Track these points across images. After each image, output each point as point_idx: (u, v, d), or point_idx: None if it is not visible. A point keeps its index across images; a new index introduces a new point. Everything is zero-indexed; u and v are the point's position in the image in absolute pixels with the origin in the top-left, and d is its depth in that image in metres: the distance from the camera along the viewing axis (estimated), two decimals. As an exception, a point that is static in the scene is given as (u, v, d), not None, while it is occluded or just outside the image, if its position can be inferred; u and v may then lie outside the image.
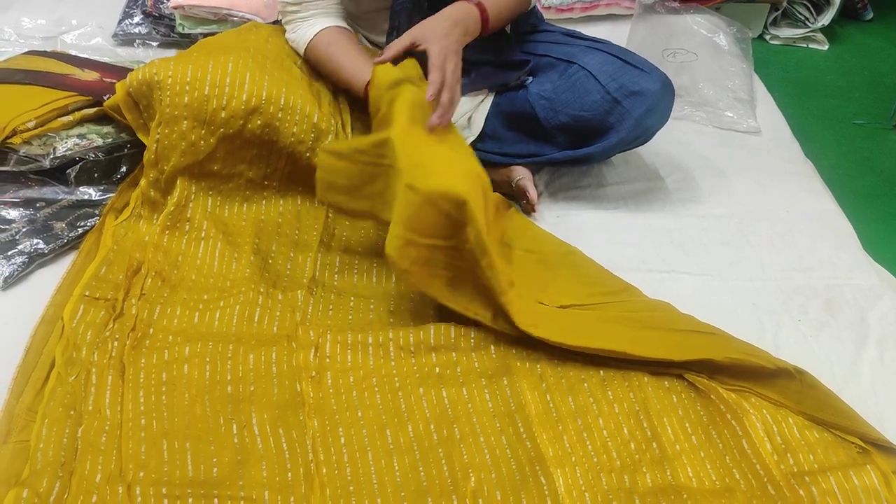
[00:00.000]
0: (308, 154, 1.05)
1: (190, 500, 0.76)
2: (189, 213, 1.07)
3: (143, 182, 1.07)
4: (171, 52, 1.40)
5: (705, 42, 1.66)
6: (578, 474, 0.80)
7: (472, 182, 0.90)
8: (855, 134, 1.62)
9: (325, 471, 0.79)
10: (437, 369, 0.90)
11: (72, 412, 0.82)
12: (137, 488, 0.76)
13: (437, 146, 0.94)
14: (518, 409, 0.86)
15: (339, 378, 0.89)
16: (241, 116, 1.03)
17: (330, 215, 1.09)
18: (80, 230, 1.06)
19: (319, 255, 1.03)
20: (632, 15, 1.72)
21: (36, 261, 1.02)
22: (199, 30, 1.54)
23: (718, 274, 1.09)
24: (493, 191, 1.03)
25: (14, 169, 1.08)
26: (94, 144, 1.12)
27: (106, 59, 1.34)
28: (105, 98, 1.14)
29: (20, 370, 0.86)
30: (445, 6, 1.05)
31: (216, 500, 0.76)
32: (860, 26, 2.15)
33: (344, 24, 1.16)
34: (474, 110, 1.18)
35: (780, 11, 2.00)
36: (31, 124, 1.08)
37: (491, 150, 1.18)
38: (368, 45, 1.25)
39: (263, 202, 1.09)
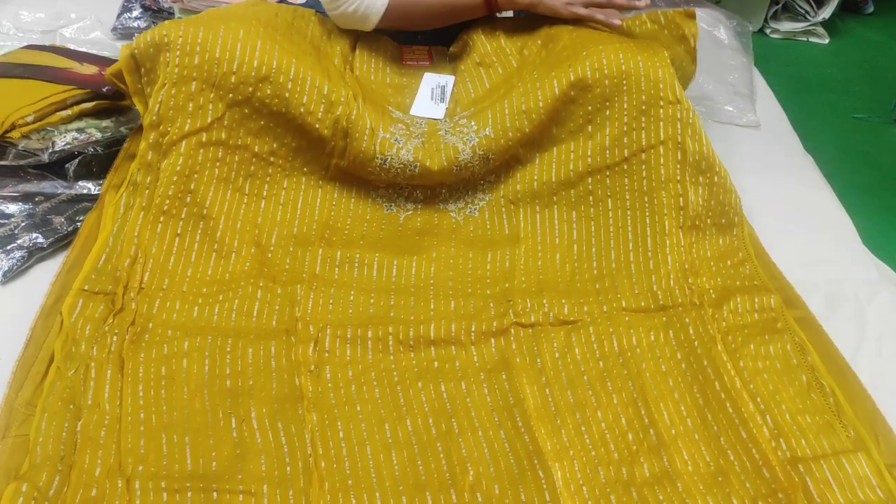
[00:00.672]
0: (318, 125, 1.04)
1: (189, 493, 0.76)
2: (193, 184, 1.02)
3: (142, 144, 1.03)
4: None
5: (705, 36, 1.66)
6: (576, 468, 0.80)
7: None
8: (855, 128, 1.62)
9: (323, 465, 0.79)
10: (436, 363, 0.90)
11: (71, 406, 0.82)
12: (137, 482, 0.76)
13: None
14: (517, 403, 0.86)
15: (337, 372, 0.89)
16: (251, 83, 1.01)
17: (331, 211, 1.09)
18: (79, 224, 1.05)
19: (320, 249, 1.03)
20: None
21: (35, 255, 1.01)
22: (198, 23, 1.54)
23: (718, 268, 1.08)
24: None
25: (13, 163, 1.08)
26: (93, 139, 1.12)
27: (105, 53, 1.34)
28: (104, 91, 1.14)
29: (19, 364, 0.86)
30: None
31: (215, 493, 0.76)
32: (860, 20, 2.15)
33: None
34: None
35: (780, 5, 2.00)
36: (29, 118, 1.08)
37: None
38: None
39: (268, 180, 1.07)
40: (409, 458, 0.81)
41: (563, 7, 1.14)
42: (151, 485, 0.76)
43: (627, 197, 1.05)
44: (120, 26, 1.56)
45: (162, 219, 1.00)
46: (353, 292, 0.98)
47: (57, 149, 1.09)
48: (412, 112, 1.14)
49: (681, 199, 1.04)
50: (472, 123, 1.08)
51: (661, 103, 1.03)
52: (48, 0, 1.64)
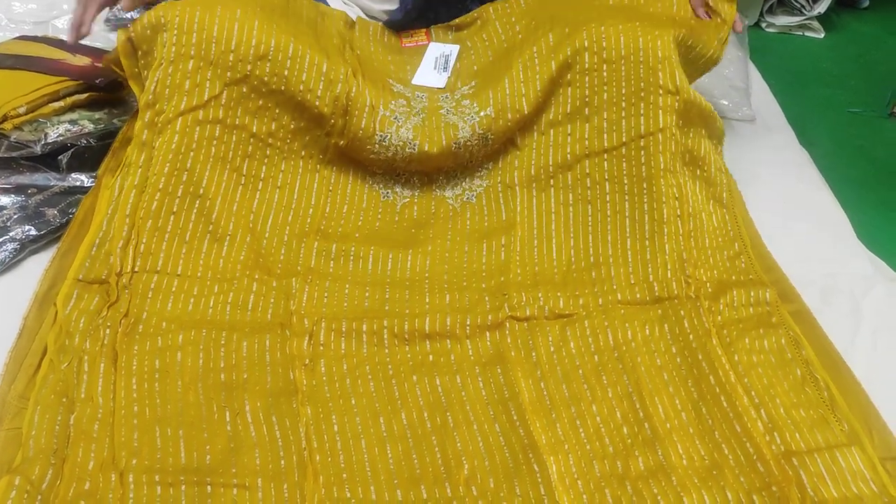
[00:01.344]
0: (317, 103, 1.03)
1: (183, 487, 0.76)
2: (189, 162, 1.00)
3: (137, 124, 1.02)
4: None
5: (701, 29, 1.65)
6: (571, 462, 0.80)
7: None
8: (850, 122, 1.62)
9: (318, 458, 0.79)
10: (431, 357, 0.90)
11: (64, 399, 0.81)
12: (130, 475, 0.76)
13: None
14: (512, 397, 0.86)
15: (332, 366, 0.88)
16: (249, 61, 1.00)
17: (328, 198, 1.08)
18: (72, 216, 1.05)
19: (316, 242, 1.02)
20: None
21: (28, 248, 1.01)
22: (192, 15, 1.52)
23: (713, 262, 1.08)
24: None
25: (5, 155, 1.07)
26: (86, 130, 1.11)
27: (97, 45, 1.32)
28: (98, 82, 1.13)
29: (12, 356, 0.86)
30: None
31: (209, 487, 0.76)
32: (856, 14, 2.15)
33: None
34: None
35: (775, -1, 1.99)
36: (21, 110, 1.07)
37: None
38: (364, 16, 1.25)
39: (265, 161, 1.06)
40: (403, 451, 0.81)
41: None
42: (145, 478, 0.76)
43: (626, 182, 1.04)
44: (113, 18, 1.55)
45: (157, 196, 0.98)
46: (348, 285, 0.98)
47: (49, 140, 1.08)
48: (414, 81, 1.14)
49: (677, 188, 1.03)
50: (475, 105, 1.08)
51: (661, 91, 1.03)
52: (41, -9, 1.62)
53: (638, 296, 0.97)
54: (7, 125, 1.05)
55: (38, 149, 1.07)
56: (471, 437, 0.82)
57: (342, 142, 1.06)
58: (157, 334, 0.89)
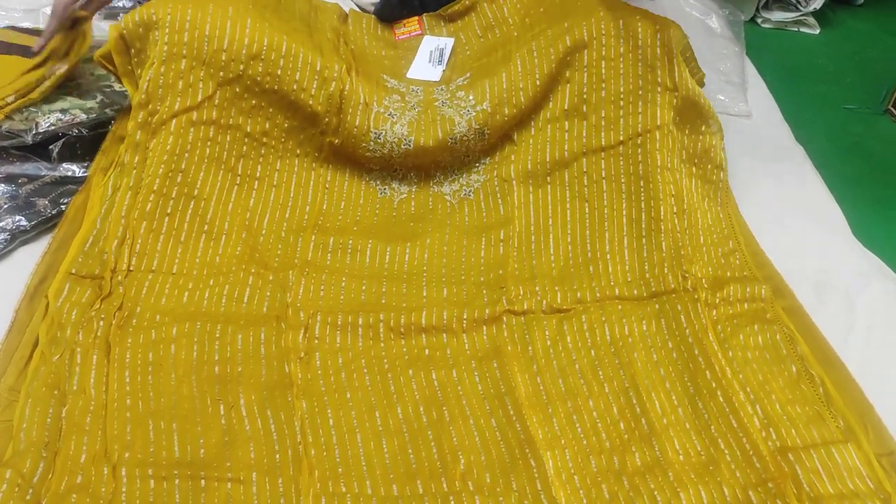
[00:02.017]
0: (311, 102, 1.02)
1: (176, 481, 0.75)
2: (184, 164, 1.00)
3: (130, 124, 1.01)
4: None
5: (697, 24, 1.65)
6: (568, 457, 0.80)
7: None
8: (845, 119, 1.62)
9: (313, 452, 0.79)
10: (427, 351, 0.90)
11: (56, 392, 0.81)
12: (123, 469, 0.75)
13: None
14: (508, 391, 0.86)
15: (327, 359, 0.88)
16: (242, 61, 1.00)
17: (325, 195, 1.07)
18: (63, 207, 1.04)
19: (313, 235, 1.01)
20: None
21: (18, 238, 1.00)
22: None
23: (709, 258, 1.08)
24: None
25: (-5, 144, 1.06)
26: (78, 120, 1.10)
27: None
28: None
29: (2, 349, 0.85)
30: None
31: (203, 481, 0.75)
32: (851, 11, 2.15)
33: None
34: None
35: (771, -6, 1.99)
36: (10, 99, 1.06)
37: None
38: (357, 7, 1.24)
39: (260, 160, 1.05)
40: (399, 445, 0.80)
41: None
42: (138, 472, 0.75)
43: (623, 180, 1.04)
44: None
45: (152, 197, 0.98)
46: (344, 279, 0.97)
47: (41, 130, 1.07)
48: (409, 75, 1.13)
49: (674, 185, 1.03)
50: (471, 97, 1.07)
51: (659, 88, 1.02)
52: (31, -22, 1.60)
53: (635, 291, 0.97)
54: (-3, 115, 1.04)
55: (28, 138, 1.06)
56: (467, 432, 0.82)
57: (337, 140, 1.05)
58: (151, 327, 0.88)
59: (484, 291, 0.97)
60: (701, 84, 1.12)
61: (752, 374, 0.89)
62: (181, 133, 1.00)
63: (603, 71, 1.03)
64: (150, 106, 1.00)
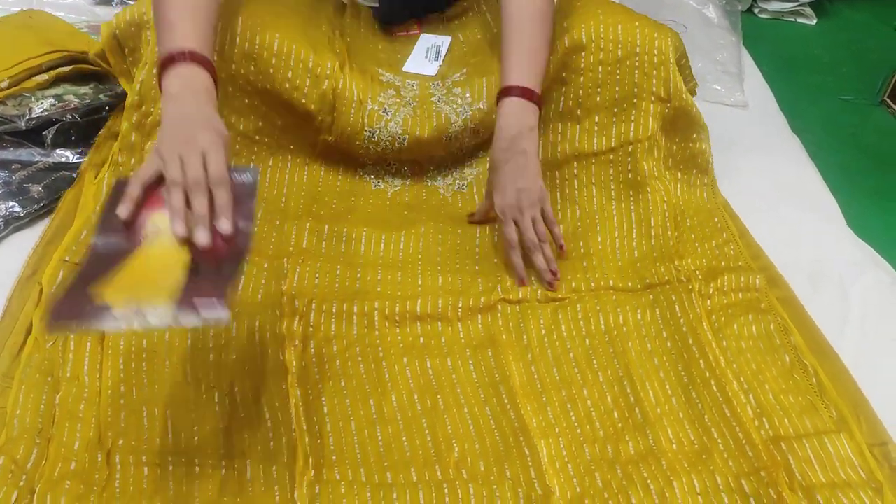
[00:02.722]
0: (304, 100, 1.02)
1: (170, 467, 0.75)
2: None
3: (124, 125, 1.01)
4: (151, 12, 1.35)
5: (694, 14, 1.65)
6: (562, 445, 0.80)
7: None
8: (841, 109, 1.63)
9: (307, 440, 0.78)
10: (422, 339, 0.90)
11: (49, 379, 0.80)
12: (117, 456, 0.75)
13: None
14: (502, 380, 0.86)
15: (322, 347, 0.88)
16: (234, 61, 0.99)
17: (319, 185, 1.07)
18: (57, 194, 1.03)
19: (308, 223, 1.01)
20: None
21: (11, 224, 0.99)
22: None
23: (703, 248, 1.08)
24: None
25: (-12, 130, 1.05)
26: (71, 105, 1.09)
27: (83, 19, 1.30)
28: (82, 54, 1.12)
29: (-4, 335, 0.85)
30: None
31: (197, 468, 0.75)
32: (848, 1, 2.15)
33: None
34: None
35: (768, -15, 1.99)
36: (3, 84, 1.05)
37: None
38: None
39: (253, 158, 1.05)
40: (393, 433, 0.81)
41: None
42: (132, 459, 0.75)
43: (612, 187, 1.05)
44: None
45: None
46: (339, 267, 0.97)
47: (34, 115, 1.06)
48: (405, 68, 1.12)
49: (665, 192, 1.04)
50: (467, 95, 1.06)
51: (652, 98, 1.02)
52: (25, -38, 1.59)
53: (630, 284, 0.97)
54: (-10, 99, 1.03)
55: (22, 124, 1.05)
56: (461, 420, 0.82)
57: (331, 137, 1.05)
58: (145, 313, 0.88)
59: (479, 280, 0.97)
60: (693, 93, 1.12)
61: (745, 364, 0.89)
62: None
63: (599, 76, 1.03)
64: (143, 108, 1.00)
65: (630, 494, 0.75)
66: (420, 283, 0.96)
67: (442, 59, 1.14)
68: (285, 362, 0.85)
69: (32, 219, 1.01)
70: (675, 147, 1.10)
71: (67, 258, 0.92)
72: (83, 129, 1.10)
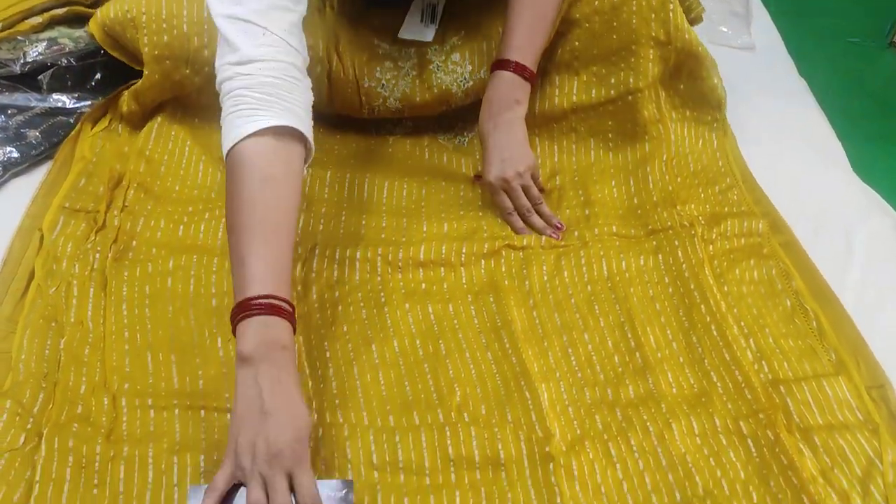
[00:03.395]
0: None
1: (176, 410, 0.76)
2: (174, 131, 1.04)
3: (123, 108, 1.04)
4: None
5: (703, -47, 1.60)
6: (562, 389, 0.81)
7: None
8: (849, 52, 1.60)
9: (310, 384, 0.79)
10: (424, 285, 0.90)
11: (53, 324, 0.81)
12: (123, 399, 0.76)
13: None
14: (504, 325, 0.86)
15: (324, 293, 0.88)
16: None
17: (320, 133, 1.06)
18: (55, 140, 1.02)
19: (310, 170, 1.00)
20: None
21: (10, 170, 0.98)
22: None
23: (707, 192, 1.07)
24: None
25: (-18, 74, 1.04)
26: (66, 49, 1.07)
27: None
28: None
29: (-2, 281, 0.85)
30: None
31: (203, 411, 0.76)
32: (859, -59, 2.09)
33: (302, 121, 0.78)
34: None
35: (779, -78, 1.93)
36: (-4, 27, 1.03)
37: None
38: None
39: None
40: (395, 378, 0.81)
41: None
42: (138, 402, 0.76)
43: (611, 137, 1.04)
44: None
45: (148, 150, 1.00)
46: (344, 213, 0.97)
47: (28, 59, 1.04)
48: (401, 35, 1.10)
49: (665, 134, 1.04)
50: (467, 64, 1.05)
51: (651, 43, 1.00)
52: None
53: (633, 231, 0.97)
54: (-17, 43, 1.02)
55: (16, 68, 1.03)
56: (463, 365, 0.83)
57: (329, 110, 1.05)
58: (148, 260, 0.88)
59: (484, 224, 0.97)
60: (699, 19, 1.10)
61: (746, 309, 0.89)
62: (172, 110, 1.05)
63: (596, 25, 1.01)
64: (140, 99, 1.03)
65: (629, 436, 0.76)
66: (425, 229, 0.96)
67: (438, 20, 1.12)
68: (287, 308, 0.85)
69: (30, 165, 1.00)
70: (682, 87, 1.09)
71: (67, 205, 0.92)
72: (79, 74, 1.08)
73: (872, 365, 0.84)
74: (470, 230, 0.96)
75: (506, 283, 0.90)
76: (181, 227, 0.92)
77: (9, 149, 0.99)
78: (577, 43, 1.02)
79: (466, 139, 1.10)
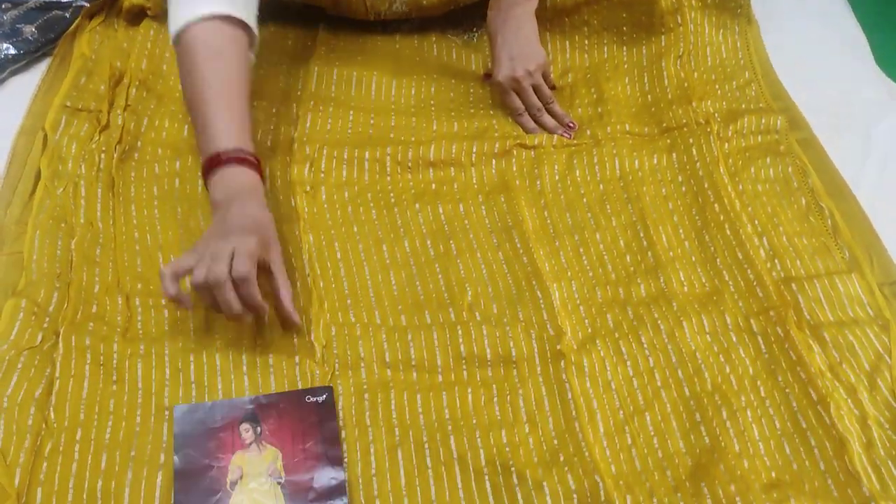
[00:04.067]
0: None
1: (190, 311, 0.76)
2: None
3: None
4: None
5: None
6: (574, 288, 0.81)
7: None
8: (879, -63, 1.51)
9: (322, 284, 0.80)
10: (434, 185, 0.89)
11: (62, 224, 0.81)
12: (137, 299, 0.76)
13: None
14: (515, 224, 0.86)
15: (333, 193, 0.87)
16: None
17: (324, 31, 1.03)
18: (52, 36, 0.99)
19: (316, 67, 0.98)
20: None
21: (8, 67, 0.96)
22: None
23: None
24: None
25: (-28, -34, 1.00)
26: (58, -61, 1.03)
27: None
28: None
29: (5, 182, 0.84)
30: None
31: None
32: None
33: (240, 9, 0.81)
34: None
35: None
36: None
37: None
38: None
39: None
40: (407, 277, 0.81)
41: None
42: (152, 302, 0.76)
43: (625, 30, 1.01)
44: None
45: (152, 36, 0.97)
46: (352, 112, 0.95)
47: (20, -49, 1.00)
48: None
49: (683, 26, 1.01)
50: None
51: None
52: None
53: (646, 129, 0.95)
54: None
55: (8, -40, 0.99)
56: (474, 265, 0.82)
57: (334, 13, 1.02)
58: (154, 161, 0.87)
59: (495, 123, 0.95)
60: None
61: (761, 207, 0.88)
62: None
63: None
64: None
65: (640, 334, 0.77)
66: (435, 128, 0.94)
67: None
68: (297, 208, 0.85)
69: (29, 62, 0.98)
70: None
71: (69, 104, 0.91)
72: (73, -34, 1.04)
73: (886, 262, 0.84)
74: (480, 129, 0.94)
75: (517, 182, 0.89)
76: (186, 126, 0.91)
77: (5, 45, 0.96)
78: None
79: (476, 35, 1.06)
